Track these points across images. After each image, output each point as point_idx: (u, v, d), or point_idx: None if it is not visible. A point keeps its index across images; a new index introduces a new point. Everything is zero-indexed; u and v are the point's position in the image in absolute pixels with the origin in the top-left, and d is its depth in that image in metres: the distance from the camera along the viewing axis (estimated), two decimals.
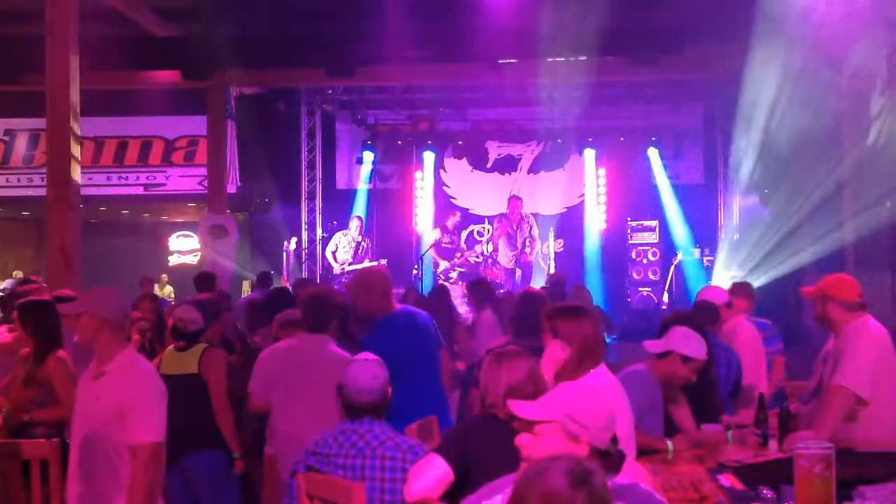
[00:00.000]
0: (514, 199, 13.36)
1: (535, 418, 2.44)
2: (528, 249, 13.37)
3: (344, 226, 13.98)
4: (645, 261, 14.05)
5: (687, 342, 4.27)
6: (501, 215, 13.90)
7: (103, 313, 3.74)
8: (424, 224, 15.19)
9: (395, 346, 4.82)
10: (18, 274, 14.78)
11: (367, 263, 13.72)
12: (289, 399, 4.80)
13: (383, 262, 13.89)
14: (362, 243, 13.78)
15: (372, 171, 15.44)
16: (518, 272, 13.14)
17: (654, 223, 14.40)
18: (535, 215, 15.16)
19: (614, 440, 2.53)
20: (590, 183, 15.22)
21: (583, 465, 1.93)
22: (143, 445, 3.60)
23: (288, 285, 12.60)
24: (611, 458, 2.45)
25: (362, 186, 15.60)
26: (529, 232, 13.41)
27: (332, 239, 13.95)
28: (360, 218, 13.92)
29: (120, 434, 3.62)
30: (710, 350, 4.75)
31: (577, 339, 3.53)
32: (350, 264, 13.58)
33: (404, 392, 4.64)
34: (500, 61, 10.97)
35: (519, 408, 2.51)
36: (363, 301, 5.12)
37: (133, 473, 3.59)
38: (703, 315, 5.10)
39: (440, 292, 8.49)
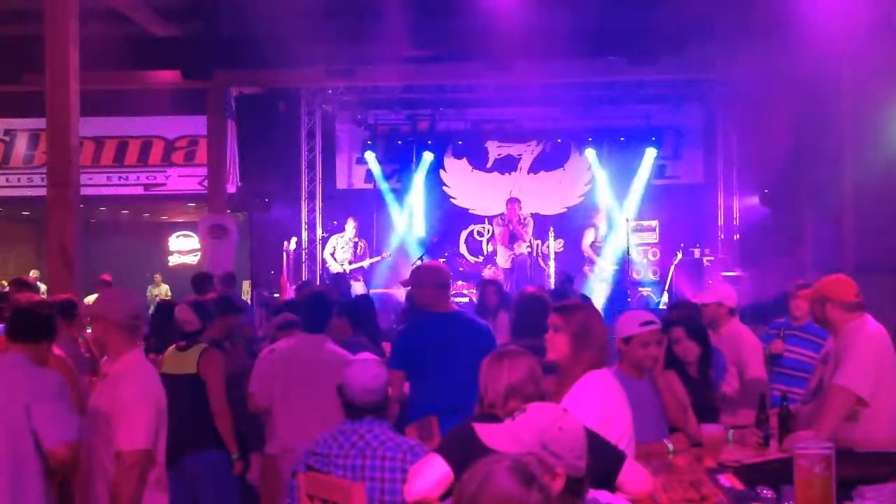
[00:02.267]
0: (513, 201, 13.38)
1: (508, 450, 2.25)
2: (526, 250, 13.38)
3: (341, 228, 14.00)
4: (645, 261, 14.05)
5: (621, 325, 4.22)
6: (500, 216, 13.91)
7: (110, 315, 3.73)
8: (423, 224, 15.19)
9: (424, 346, 4.78)
10: (36, 273, 14.81)
11: (368, 261, 13.70)
12: (288, 399, 4.81)
13: (387, 255, 13.97)
14: (360, 244, 13.78)
15: (372, 171, 15.44)
16: (514, 273, 13.16)
17: (654, 223, 14.40)
18: (535, 215, 15.17)
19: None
20: (590, 183, 15.24)
21: (521, 462, 1.91)
22: (126, 452, 3.53)
23: (288, 286, 12.66)
24: (583, 484, 2.35)
25: (362, 186, 15.62)
26: (528, 233, 13.41)
27: (330, 241, 13.95)
28: (355, 219, 13.94)
29: (109, 435, 3.59)
30: (709, 350, 4.77)
31: (593, 333, 3.52)
32: (350, 262, 13.58)
33: (425, 393, 4.64)
34: (500, 61, 10.97)
35: (489, 437, 2.39)
36: (417, 294, 5.09)
37: (115, 480, 3.53)
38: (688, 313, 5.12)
39: None
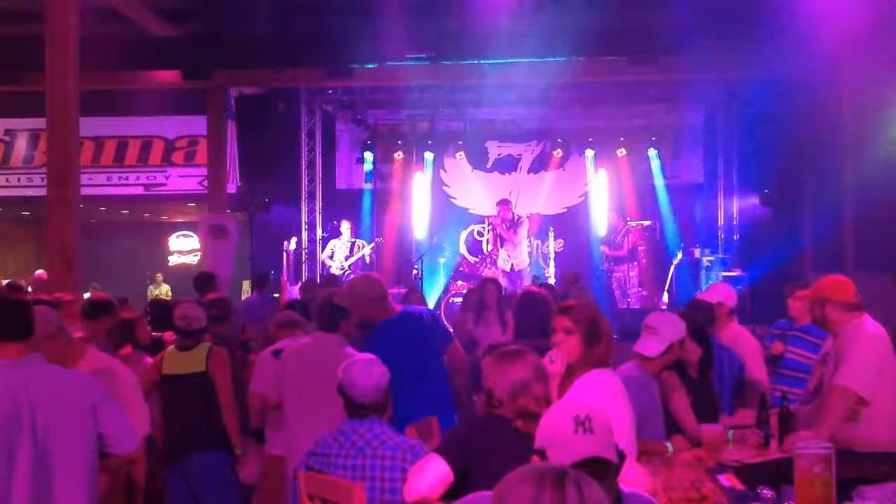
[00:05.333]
0: (503, 203, 13.37)
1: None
2: (524, 254, 13.36)
3: (338, 230, 14.01)
4: (644, 261, 14.05)
5: (675, 328, 4.25)
6: (492, 218, 13.90)
7: (55, 327, 3.71)
8: (423, 224, 15.20)
9: (395, 351, 4.81)
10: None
11: (365, 250, 13.66)
12: (301, 399, 4.78)
13: (379, 240, 14.07)
14: (357, 243, 13.79)
15: (372, 171, 15.45)
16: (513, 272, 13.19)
17: (653, 223, 14.40)
18: (535, 215, 15.18)
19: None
20: (590, 183, 15.26)
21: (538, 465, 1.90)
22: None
23: (289, 286, 12.66)
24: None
25: (362, 186, 15.64)
26: (523, 233, 13.38)
27: (328, 245, 13.96)
28: (349, 220, 13.96)
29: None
30: (710, 351, 4.76)
31: (602, 330, 3.52)
32: (347, 259, 13.60)
33: (407, 394, 4.65)
34: (499, 61, 10.97)
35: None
36: (360, 311, 5.09)
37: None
38: (700, 314, 5.10)
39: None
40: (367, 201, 15.43)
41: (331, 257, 13.72)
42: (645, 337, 4.25)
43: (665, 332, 4.21)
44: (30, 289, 10.40)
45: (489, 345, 6.81)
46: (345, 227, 13.80)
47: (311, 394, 4.72)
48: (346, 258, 13.62)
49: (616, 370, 4.16)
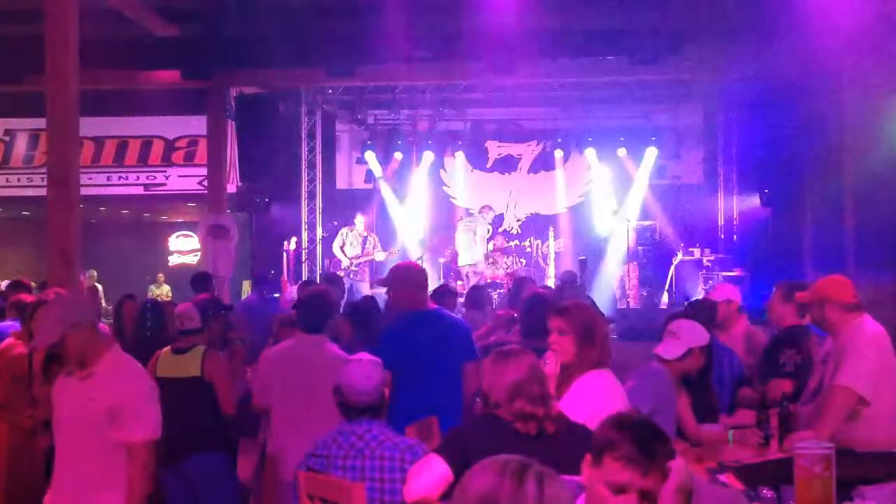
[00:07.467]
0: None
1: None
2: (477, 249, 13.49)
3: (345, 223, 13.95)
4: (645, 261, 14.04)
5: (697, 333, 4.29)
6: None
7: (91, 317, 3.74)
8: (423, 224, 15.20)
9: (408, 346, 4.79)
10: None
11: (377, 255, 13.60)
12: (285, 399, 4.80)
13: (391, 251, 13.96)
14: (370, 238, 13.71)
15: (372, 170, 15.44)
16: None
17: (653, 223, 14.40)
18: (535, 215, 15.20)
19: None
20: (590, 183, 15.25)
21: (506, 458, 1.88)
22: (147, 441, 3.64)
23: (289, 286, 12.63)
24: None
25: (362, 186, 15.62)
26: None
27: (339, 234, 13.83)
28: (364, 214, 13.89)
29: (115, 432, 3.62)
30: (710, 351, 4.76)
31: (597, 331, 3.52)
32: (358, 258, 13.51)
33: (413, 393, 4.64)
34: (499, 61, 10.97)
35: None
36: (395, 294, 5.09)
37: (132, 471, 3.60)
38: (701, 315, 5.10)
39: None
40: (367, 201, 15.39)
41: (342, 248, 13.59)
42: (666, 341, 4.31)
43: (686, 338, 4.26)
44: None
45: (491, 343, 6.82)
46: (359, 220, 13.70)
47: (294, 394, 4.74)
48: (357, 256, 13.49)
49: (646, 366, 4.20)
